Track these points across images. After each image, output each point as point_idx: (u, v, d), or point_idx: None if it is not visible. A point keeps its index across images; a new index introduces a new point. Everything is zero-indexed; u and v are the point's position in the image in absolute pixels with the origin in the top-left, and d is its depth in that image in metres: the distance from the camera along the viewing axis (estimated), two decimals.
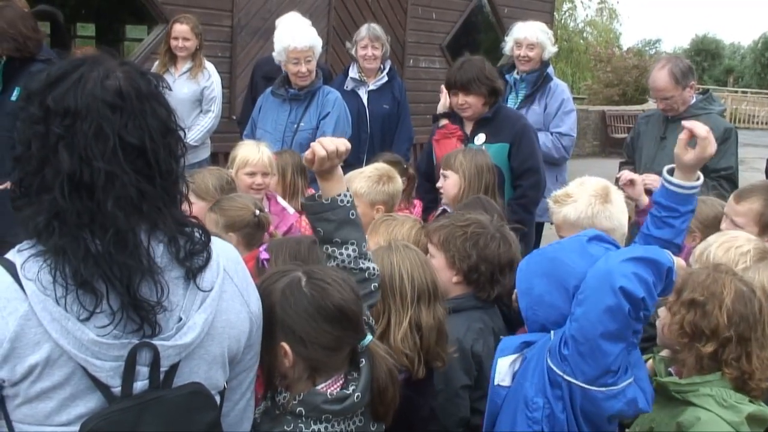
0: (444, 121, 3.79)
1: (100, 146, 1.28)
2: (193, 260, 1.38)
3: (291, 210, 3.36)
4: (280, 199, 3.39)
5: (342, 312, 1.61)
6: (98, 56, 1.37)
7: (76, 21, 12.55)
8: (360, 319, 1.68)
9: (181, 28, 5.22)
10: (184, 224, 1.39)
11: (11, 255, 1.33)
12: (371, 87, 5.01)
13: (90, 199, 1.28)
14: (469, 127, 3.88)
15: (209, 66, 5.38)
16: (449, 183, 3.29)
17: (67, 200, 1.28)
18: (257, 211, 2.74)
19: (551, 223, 2.77)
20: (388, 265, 2.02)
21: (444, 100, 3.90)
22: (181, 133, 1.41)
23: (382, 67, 5.06)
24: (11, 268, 1.30)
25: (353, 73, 5.05)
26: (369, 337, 1.69)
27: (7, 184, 4.27)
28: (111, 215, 1.28)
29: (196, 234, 1.41)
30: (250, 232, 2.71)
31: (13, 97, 4.29)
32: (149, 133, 1.32)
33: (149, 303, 1.30)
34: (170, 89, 1.46)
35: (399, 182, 3.25)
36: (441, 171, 3.38)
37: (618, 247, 1.89)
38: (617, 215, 2.52)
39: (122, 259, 1.28)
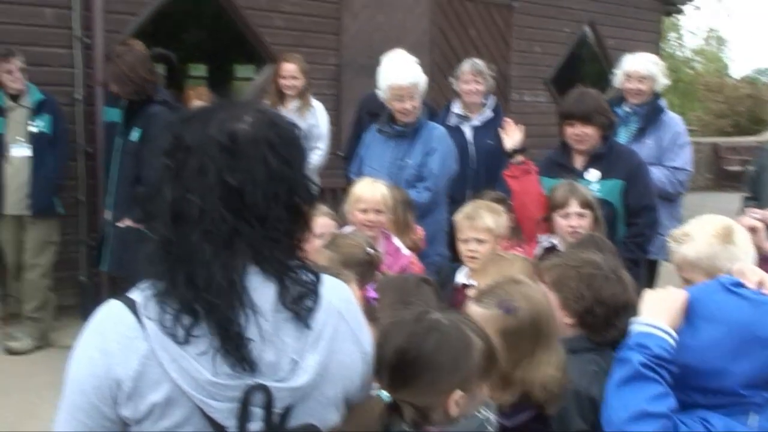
0: (520, 157, 3.68)
1: (199, 182, 1.33)
2: (303, 302, 1.38)
3: (405, 250, 3.34)
4: (395, 239, 3.38)
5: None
6: (237, 101, 1.44)
7: (188, 62, 13.07)
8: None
9: (288, 67, 5.36)
10: (291, 266, 1.40)
11: (134, 293, 1.37)
12: (475, 122, 4.99)
13: (185, 228, 1.33)
14: (578, 162, 3.80)
15: (316, 104, 5.49)
16: (586, 221, 3.20)
17: (168, 230, 1.34)
18: (369, 250, 2.74)
19: (667, 261, 2.66)
20: (535, 300, 1.98)
21: (517, 136, 3.72)
22: (309, 183, 1.43)
23: (485, 102, 5.04)
24: (133, 307, 1.34)
25: (456, 108, 5.05)
26: None
27: (129, 222, 4.48)
28: (197, 247, 1.31)
29: (305, 276, 1.41)
30: (362, 270, 2.70)
31: (134, 138, 4.48)
32: (252, 178, 1.35)
33: (245, 340, 1.31)
34: (304, 138, 1.48)
35: (504, 219, 3.21)
36: (572, 209, 3.25)
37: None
38: (740, 255, 2.39)
39: (212, 294, 1.30)
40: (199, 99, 5.25)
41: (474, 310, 1.95)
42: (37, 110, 5.01)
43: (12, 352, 5.08)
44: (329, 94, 6.78)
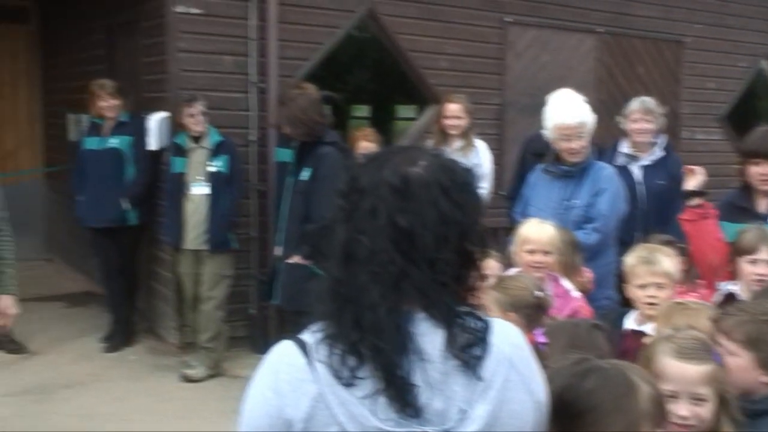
0: (698, 200, 3.48)
1: (370, 223, 1.35)
2: (471, 350, 1.36)
3: (575, 293, 3.26)
4: (564, 281, 3.31)
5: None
6: (415, 146, 1.46)
7: (352, 103, 13.51)
8: None
9: (453, 107, 5.41)
10: (460, 313, 1.38)
11: (305, 335, 1.40)
12: (645, 162, 4.82)
13: (354, 272, 1.34)
14: (763, 205, 3.57)
15: (479, 143, 5.51)
16: None
17: (339, 270, 1.36)
18: (537, 292, 2.69)
19: None
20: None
21: (699, 178, 3.53)
22: (481, 229, 1.43)
23: (655, 141, 4.86)
24: (305, 348, 1.36)
25: (624, 148, 4.90)
26: None
27: (297, 259, 4.66)
28: (365, 288, 1.32)
29: (474, 323, 1.39)
30: (530, 313, 2.65)
31: (304, 177, 4.66)
32: (422, 220, 1.35)
33: (411, 385, 1.30)
34: (477, 184, 1.49)
35: (677, 263, 3.06)
36: (762, 256, 3.05)
37: None
38: None
39: (378, 337, 1.30)
40: (365, 140, 5.38)
41: (685, 368, 1.87)
42: (216, 151, 5.32)
43: (188, 379, 5.34)
44: (492, 133, 6.77)
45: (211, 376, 5.42)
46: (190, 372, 5.35)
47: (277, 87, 5.77)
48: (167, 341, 6.02)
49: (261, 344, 5.91)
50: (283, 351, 1.40)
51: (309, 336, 1.39)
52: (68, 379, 5.37)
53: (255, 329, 5.95)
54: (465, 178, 1.44)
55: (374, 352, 1.31)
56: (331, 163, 4.56)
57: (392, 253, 1.34)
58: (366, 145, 5.33)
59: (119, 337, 6.09)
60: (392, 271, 1.33)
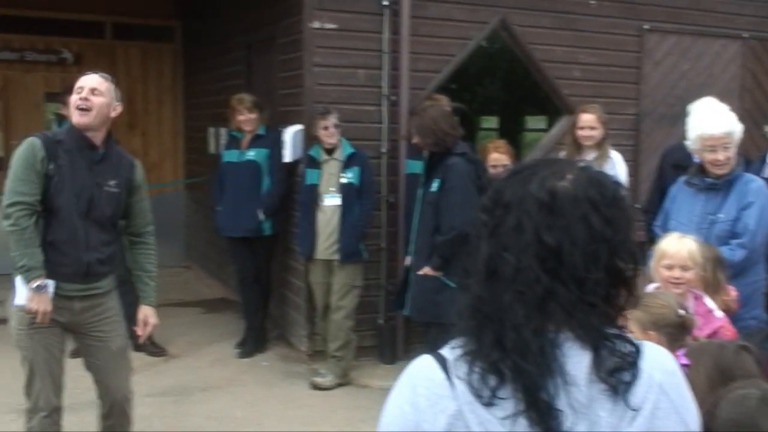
0: None
1: (515, 239, 1.29)
2: (620, 375, 1.28)
3: (718, 312, 3.09)
4: (707, 300, 3.14)
5: None
6: (561, 159, 1.40)
7: (482, 115, 13.46)
8: None
9: (587, 118, 5.26)
10: (608, 335, 1.31)
11: (445, 350, 1.37)
12: None
13: (497, 287, 1.29)
14: None
15: (614, 154, 5.33)
16: None
17: (481, 287, 1.31)
18: (680, 311, 2.56)
19: None
20: None
21: None
22: (633, 246, 1.35)
23: None
24: (444, 364, 1.33)
25: None
26: None
27: (427, 270, 4.66)
28: (508, 307, 1.27)
29: (623, 347, 1.31)
30: (671, 332, 2.53)
31: (433, 188, 4.65)
32: (570, 237, 1.29)
33: (554, 409, 1.24)
34: (626, 199, 1.41)
35: None
36: None
37: None
38: None
39: (521, 357, 1.26)
40: (497, 152, 5.33)
41: None
42: (348, 163, 5.40)
43: (316, 387, 5.43)
44: (628, 144, 6.55)
45: (340, 385, 5.47)
46: (319, 380, 5.43)
47: (409, 99, 5.81)
48: (298, 349, 6.15)
49: (388, 354, 5.95)
50: (422, 366, 1.37)
51: (448, 352, 1.36)
52: (204, 383, 5.57)
53: (383, 339, 5.99)
54: (615, 192, 1.36)
55: (516, 372, 1.26)
56: (459, 174, 4.54)
57: (538, 272, 1.28)
58: (497, 156, 5.28)
59: (252, 344, 6.26)
60: (538, 291, 1.28)
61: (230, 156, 6.14)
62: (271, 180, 5.99)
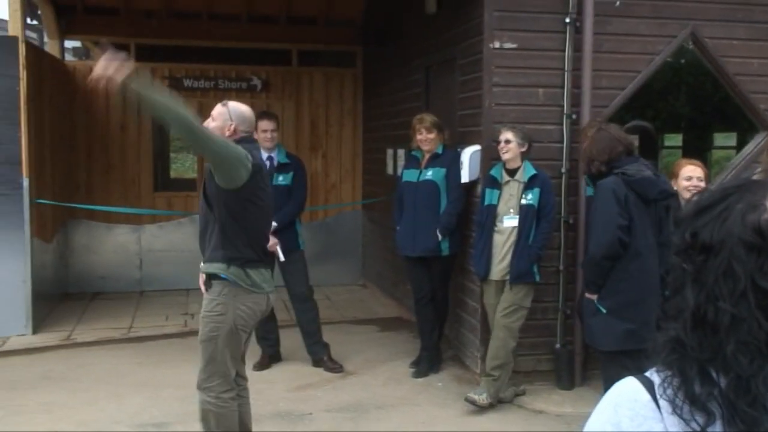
0: None
1: (728, 286, 1.18)
2: None
3: None
4: None
5: None
6: (750, 183, 1.27)
7: (665, 132, 12.89)
8: None
9: None
10: None
11: (650, 374, 1.30)
12: None
13: (713, 337, 1.20)
14: None
15: None
16: None
17: (688, 334, 1.22)
18: None
19: None
20: None
21: None
22: None
23: None
24: (651, 387, 1.27)
25: None
26: None
27: (588, 294, 4.51)
28: (732, 359, 1.17)
29: None
30: None
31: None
32: None
33: None
34: None
35: None
36: None
37: None
38: None
39: (741, 405, 1.16)
40: (691, 164, 5.05)
41: None
42: (529, 184, 5.31)
43: (471, 402, 5.34)
44: None
45: (491, 405, 5.36)
46: (475, 396, 5.34)
47: (590, 118, 5.65)
48: (472, 370, 6.10)
49: (566, 380, 5.77)
50: (626, 387, 1.32)
51: (653, 374, 1.29)
52: (379, 401, 5.64)
53: (560, 364, 5.83)
54: None
55: (734, 413, 1.18)
56: (603, 195, 4.40)
57: (761, 320, 1.17)
58: (692, 168, 4.99)
59: (427, 364, 6.29)
60: (762, 338, 1.18)
61: (409, 176, 6.21)
62: (448, 199, 6.01)
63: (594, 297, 4.44)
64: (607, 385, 4.57)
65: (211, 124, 3.94)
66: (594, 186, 4.65)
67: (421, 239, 6.04)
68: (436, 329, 6.33)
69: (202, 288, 4.05)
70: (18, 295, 7.21)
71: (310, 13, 10.05)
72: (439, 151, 6.09)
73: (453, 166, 5.99)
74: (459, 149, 6.05)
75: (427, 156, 6.12)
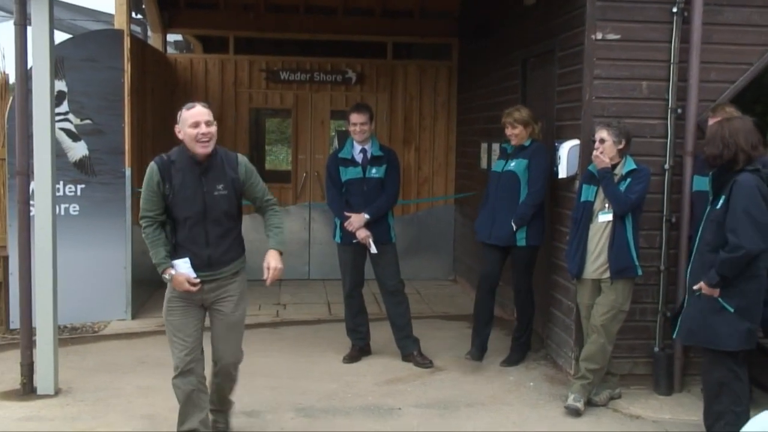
0: None
1: None
2: None
3: None
4: None
5: None
6: None
7: None
8: None
9: None
10: None
11: None
12: None
13: None
14: None
15: None
16: None
17: None
18: None
19: None
20: None
21: None
22: None
23: None
24: None
25: None
26: None
27: (703, 286, 4.28)
28: None
29: None
30: None
31: (718, 206, 4.32)
32: None
33: None
34: None
35: None
36: None
37: None
38: None
39: None
40: None
41: None
42: (626, 178, 5.11)
43: (571, 410, 5.22)
44: None
45: (586, 406, 5.25)
46: (576, 404, 5.23)
47: (696, 113, 5.40)
48: (565, 370, 5.94)
49: (664, 385, 5.57)
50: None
51: None
52: (469, 398, 5.55)
53: (658, 368, 5.61)
54: None
55: None
56: (749, 190, 4.17)
57: None
58: None
59: (518, 362, 6.22)
60: None
61: (496, 166, 6.26)
62: (528, 191, 5.97)
63: (715, 292, 4.24)
64: (712, 389, 4.38)
65: (211, 128, 4.12)
66: (717, 180, 4.40)
67: (496, 228, 6.06)
68: (525, 328, 6.30)
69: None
70: (119, 280, 7.45)
71: (406, 5, 10.00)
72: (527, 143, 6.05)
73: (535, 157, 5.97)
74: (556, 143, 5.90)
75: (515, 148, 6.12)
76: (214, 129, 4.13)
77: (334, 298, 8.61)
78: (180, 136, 4.16)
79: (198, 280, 4.17)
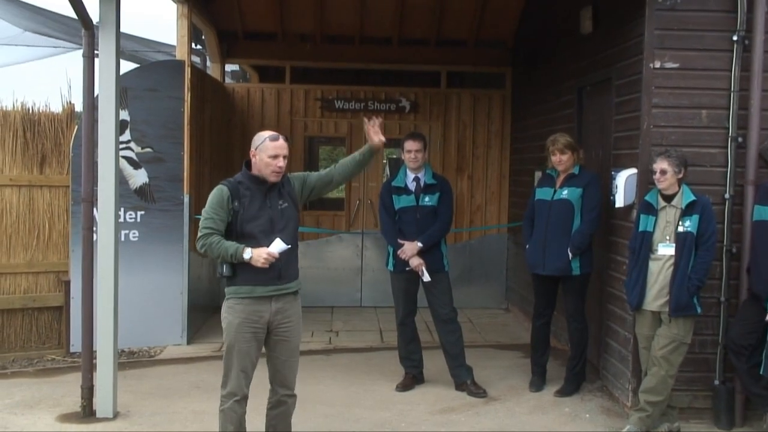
0: None
1: None
2: None
3: None
4: None
5: None
6: None
7: None
8: None
9: None
10: None
11: None
12: None
13: None
14: None
15: None
16: None
17: None
18: None
19: None
20: None
21: None
22: None
23: None
24: None
25: None
26: None
27: None
28: None
29: None
30: None
31: None
32: None
33: None
34: None
35: None
36: None
37: None
38: None
39: None
40: None
41: None
42: (687, 210, 5.03)
43: None
44: None
45: None
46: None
47: (758, 141, 5.31)
48: (622, 403, 5.83)
49: (725, 420, 5.43)
50: None
51: None
52: (524, 429, 5.49)
53: (718, 402, 5.47)
54: None
55: None
56: None
57: None
58: None
59: (573, 392, 6.15)
60: None
61: (543, 194, 6.18)
62: (583, 219, 5.93)
63: None
64: None
65: (285, 162, 4.36)
66: None
67: (551, 258, 6.01)
68: (579, 357, 6.22)
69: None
70: (176, 306, 7.58)
71: (460, 35, 10.06)
72: (576, 171, 6.04)
73: (591, 186, 5.97)
74: (613, 172, 5.85)
75: (562, 176, 6.09)
76: (286, 162, 4.38)
77: (386, 326, 8.61)
78: (254, 159, 4.37)
79: (277, 254, 4.22)
